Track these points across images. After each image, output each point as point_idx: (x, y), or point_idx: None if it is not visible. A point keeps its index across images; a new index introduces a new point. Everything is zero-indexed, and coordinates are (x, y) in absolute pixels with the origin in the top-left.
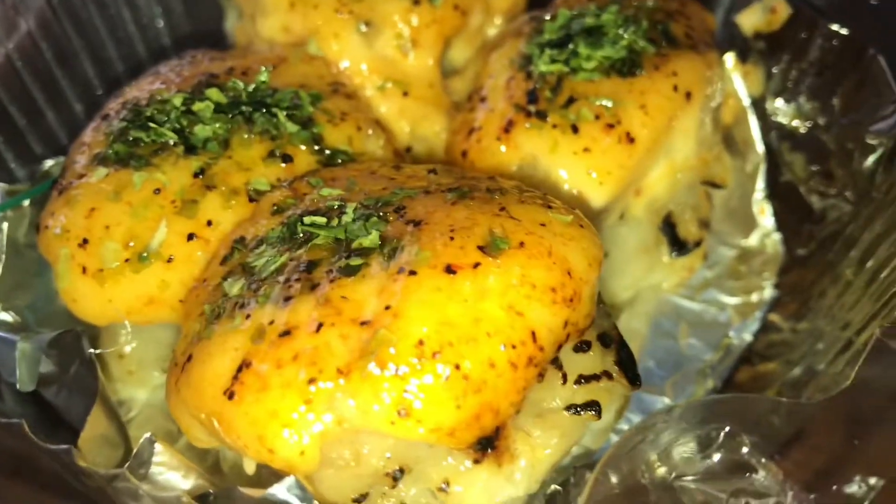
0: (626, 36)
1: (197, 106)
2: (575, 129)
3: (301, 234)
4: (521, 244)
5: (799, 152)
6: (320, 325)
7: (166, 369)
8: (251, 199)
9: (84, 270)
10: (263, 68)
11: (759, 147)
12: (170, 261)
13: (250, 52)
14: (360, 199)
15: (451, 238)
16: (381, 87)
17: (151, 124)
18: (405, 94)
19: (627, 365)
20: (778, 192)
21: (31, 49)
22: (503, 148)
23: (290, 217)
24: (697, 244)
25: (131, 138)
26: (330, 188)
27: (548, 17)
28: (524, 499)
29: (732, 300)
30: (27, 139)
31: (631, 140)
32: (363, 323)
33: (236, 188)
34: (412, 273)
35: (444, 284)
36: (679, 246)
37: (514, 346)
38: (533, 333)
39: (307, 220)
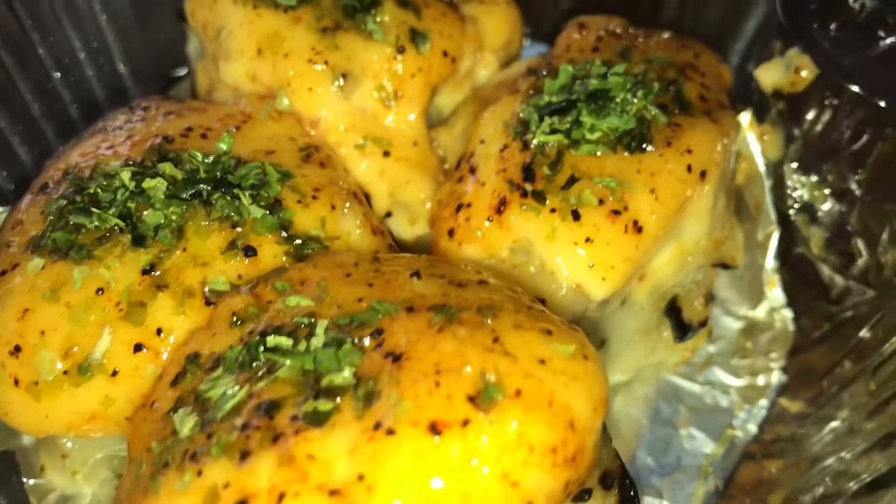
0: (635, 102)
1: (148, 183)
2: (576, 216)
3: (263, 360)
4: (518, 392)
5: (817, 227)
6: (282, 495)
7: (115, 469)
8: (208, 303)
9: (16, 382)
10: (225, 134)
11: (773, 215)
12: (114, 374)
13: (211, 103)
14: (333, 315)
15: (437, 384)
16: (360, 146)
17: (94, 209)
18: (386, 153)
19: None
20: (790, 264)
21: None
22: (494, 229)
23: (251, 335)
24: (703, 324)
25: (71, 223)
26: (298, 296)
27: (546, 72)
28: None
29: (737, 382)
30: None
31: (638, 229)
32: (332, 492)
33: (191, 288)
34: (390, 432)
35: (427, 449)
36: (684, 330)
37: None
38: None
39: (270, 341)
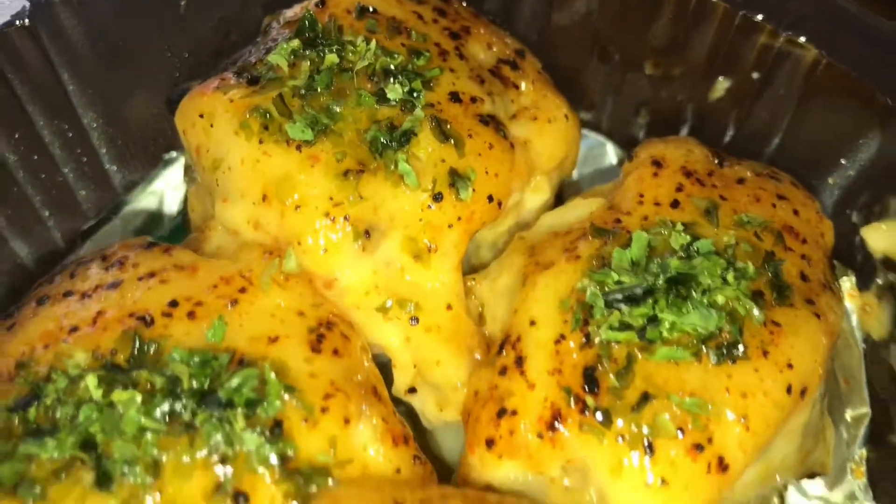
0: (724, 291)
1: (118, 395)
2: (649, 448)
3: None
4: None
5: None
6: None
7: None
8: None
9: None
10: (217, 320)
11: (866, 395)
12: None
13: (202, 256)
14: None
15: None
16: (382, 308)
17: (49, 439)
18: (413, 319)
19: None
20: (880, 453)
21: None
22: (545, 447)
23: None
24: None
25: (21, 452)
26: None
27: (613, 234)
28: None
29: None
30: None
31: (724, 468)
32: None
33: None
34: None
35: None
36: None
37: None
38: None
39: None
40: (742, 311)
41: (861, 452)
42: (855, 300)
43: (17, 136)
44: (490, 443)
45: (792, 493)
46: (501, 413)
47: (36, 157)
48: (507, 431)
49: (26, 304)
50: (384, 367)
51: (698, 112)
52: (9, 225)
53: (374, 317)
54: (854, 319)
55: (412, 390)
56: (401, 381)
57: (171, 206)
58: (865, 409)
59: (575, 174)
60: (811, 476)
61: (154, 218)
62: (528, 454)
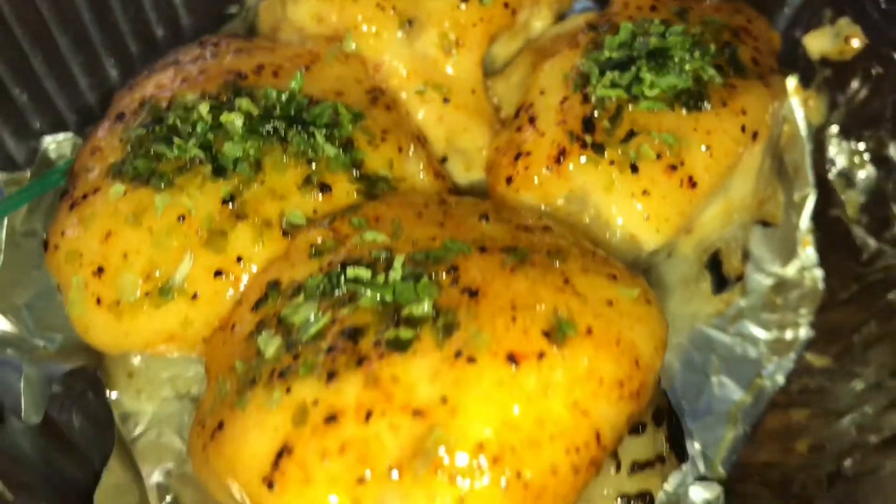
0: (692, 62)
1: (226, 117)
2: (634, 168)
3: (344, 290)
4: (589, 330)
5: (853, 191)
6: (369, 413)
7: (178, 389)
8: (285, 234)
9: (99, 301)
10: (298, 73)
11: (811, 177)
12: (194, 297)
13: (279, 43)
14: (409, 251)
15: (514, 318)
16: (420, 91)
17: (175, 139)
18: (445, 100)
19: (677, 440)
20: (824, 226)
21: (26, 8)
22: (552, 178)
23: (331, 265)
24: (739, 278)
25: (152, 152)
26: (374, 231)
27: (606, 28)
28: None
29: (766, 335)
30: (24, 112)
31: (693, 184)
32: (416, 412)
33: (269, 219)
34: (471, 360)
35: (506, 377)
36: (721, 283)
37: (577, 450)
38: (597, 434)
39: (350, 272)
40: (706, 77)
41: (808, 227)
42: (799, 94)
43: None
44: (509, 179)
45: (753, 273)
46: (518, 156)
47: None
48: (522, 168)
49: (140, 75)
50: None
51: None
52: (105, 48)
53: (414, 98)
54: (800, 115)
55: (444, 159)
56: (434, 151)
57: None
58: (809, 190)
59: None
60: (765, 224)
61: None
62: (539, 185)
